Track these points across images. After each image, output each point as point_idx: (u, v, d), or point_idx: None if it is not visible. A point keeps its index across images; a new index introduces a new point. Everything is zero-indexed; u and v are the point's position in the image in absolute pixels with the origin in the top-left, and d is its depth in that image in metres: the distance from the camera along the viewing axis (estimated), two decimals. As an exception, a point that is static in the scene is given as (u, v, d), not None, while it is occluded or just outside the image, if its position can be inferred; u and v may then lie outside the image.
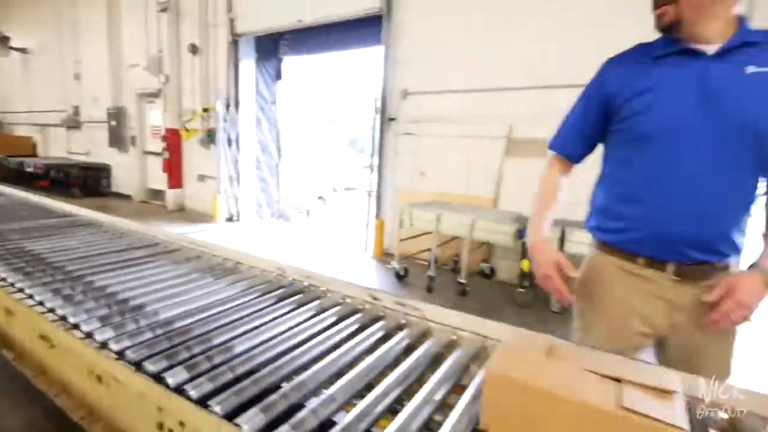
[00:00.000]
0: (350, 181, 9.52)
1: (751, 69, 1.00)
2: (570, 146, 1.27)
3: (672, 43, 1.07)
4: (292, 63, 6.79)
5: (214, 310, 1.26)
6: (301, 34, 5.82)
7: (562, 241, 3.28)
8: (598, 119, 1.19)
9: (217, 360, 0.99)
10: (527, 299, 3.64)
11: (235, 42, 6.39)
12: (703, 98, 1.02)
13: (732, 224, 1.07)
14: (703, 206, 1.04)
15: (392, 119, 5.02)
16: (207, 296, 1.37)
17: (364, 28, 5.15)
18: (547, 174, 1.31)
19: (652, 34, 1.14)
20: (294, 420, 0.78)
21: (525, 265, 3.54)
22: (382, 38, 4.87)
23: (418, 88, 4.78)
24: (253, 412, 0.80)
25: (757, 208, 1.09)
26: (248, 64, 6.56)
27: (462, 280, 3.69)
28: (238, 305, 1.30)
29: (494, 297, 3.83)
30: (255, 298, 1.37)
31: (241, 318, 1.22)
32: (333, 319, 1.26)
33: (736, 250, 1.09)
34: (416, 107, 4.85)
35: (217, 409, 0.81)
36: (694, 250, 1.07)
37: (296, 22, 5.49)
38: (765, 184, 1.08)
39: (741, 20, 1.03)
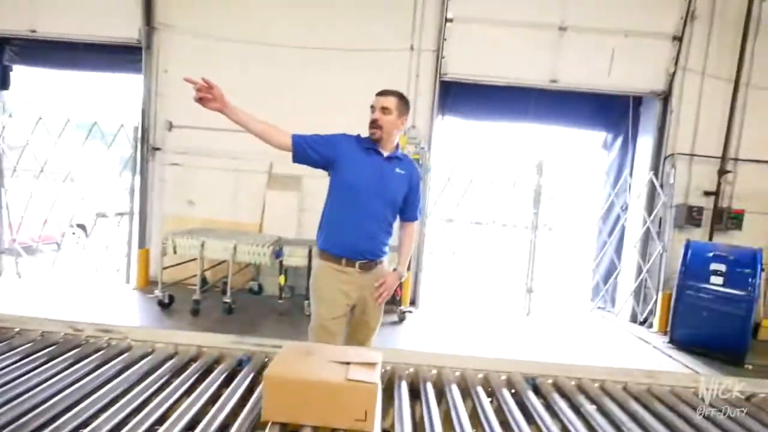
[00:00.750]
0: (123, 205, 8.32)
1: (398, 170, 2.04)
2: (298, 139, 1.99)
3: (371, 143, 2.03)
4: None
5: None
6: (35, 44, 5.07)
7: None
8: (321, 156, 1.98)
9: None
10: (286, 308, 4.44)
11: None
12: (378, 174, 1.99)
13: (384, 241, 2.06)
14: (372, 232, 2.00)
15: (157, 149, 5.05)
16: None
17: (120, 54, 5.01)
18: (273, 128, 2.03)
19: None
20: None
21: (282, 279, 4.33)
22: (142, 68, 4.89)
23: (183, 122, 5.01)
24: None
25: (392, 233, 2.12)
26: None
27: (227, 300, 4.16)
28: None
29: (259, 310, 4.46)
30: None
31: None
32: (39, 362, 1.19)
33: (385, 253, 2.08)
34: (184, 140, 5.06)
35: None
36: (368, 255, 2.00)
37: (28, 31, 4.79)
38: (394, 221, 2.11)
39: (397, 146, 2.08)
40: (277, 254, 4.20)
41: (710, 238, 4.98)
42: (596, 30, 4.78)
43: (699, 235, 5.03)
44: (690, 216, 4.97)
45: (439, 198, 5.37)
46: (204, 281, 4.87)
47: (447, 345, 4.00)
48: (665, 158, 5.02)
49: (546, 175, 5.13)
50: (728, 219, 4.98)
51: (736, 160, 5.06)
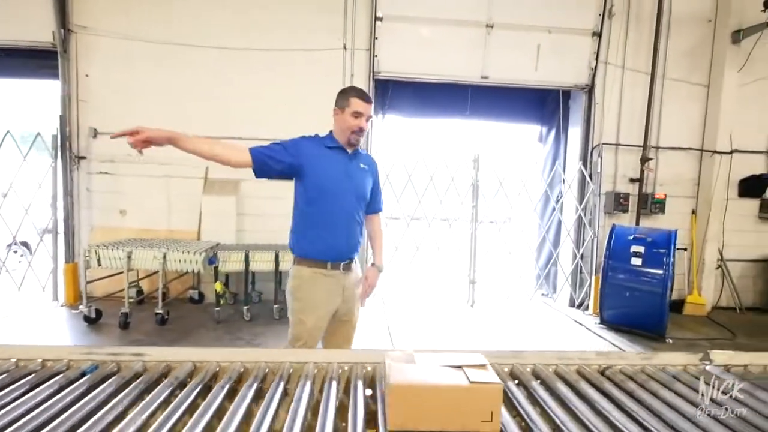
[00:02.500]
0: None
1: (362, 165, 2.07)
2: (257, 153, 1.87)
3: (334, 141, 2.02)
4: None
5: None
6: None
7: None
8: (286, 165, 1.90)
9: None
10: (224, 315, 4.33)
11: None
12: (347, 175, 2.01)
13: (359, 238, 2.07)
14: (352, 230, 2.02)
15: (82, 157, 4.81)
16: None
17: (37, 59, 4.74)
18: (227, 147, 1.90)
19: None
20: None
21: (218, 286, 4.23)
22: (60, 75, 4.64)
23: (109, 128, 4.80)
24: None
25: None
26: None
27: (159, 311, 4.02)
28: None
29: (195, 319, 4.33)
30: None
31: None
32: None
33: (357, 251, 2.09)
34: (111, 147, 4.84)
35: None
36: (350, 254, 2.03)
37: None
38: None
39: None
40: (211, 261, 4.09)
41: (637, 223, 5.26)
42: (522, 27, 4.96)
43: (627, 219, 5.31)
44: (618, 202, 5.25)
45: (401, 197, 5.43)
46: (140, 292, 4.71)
47: (396, 338, 4.02)
48: (593, 148, 5.27)
49: (483, 169, 5.26)
50: (652, 204, 5.29)
51: (657, 148, 5.39)
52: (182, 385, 1.07)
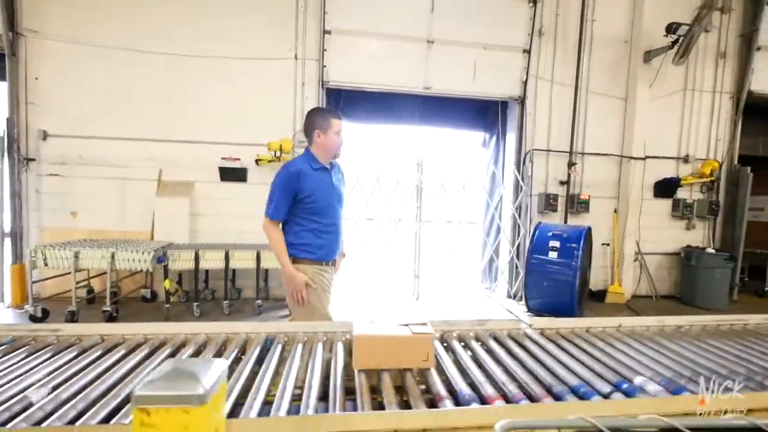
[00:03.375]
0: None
1: (339, 176, 2.45)
2: (280, 215, 2.29)
3: (317, 162, 2.33)
4: None
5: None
6: None
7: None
8: (292, 198, 2.27)
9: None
10: (174, 312, 4.49)
11: None
12: (332, 187, 2.37)
13: (342, 239, 2.49)
14: (340, 233, 2.44)
15: (31, 159, 4.84)
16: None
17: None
18: (274, 233, 2.29)
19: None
20: None
21: (167, 284, 4.39)
22: (7, 77, 4.68)
23: (60, 131, 4.86)
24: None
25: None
26: None
27: (107, 308, 4.13)
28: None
29: (144, 316, 4.45)
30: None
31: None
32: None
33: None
34: (62, 149, 4.90)
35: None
36: (338, 252, 2.47)
37: None
38: None
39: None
40: (159, 260, 4.25)
41: (565, 221, 5.83)
42: (460, 43, 5.42)
43: (557, 218, 5.86)
44: (548, 203, 5.79)
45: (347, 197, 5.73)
46: (90, 291, 4.78)
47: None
48: (525, 154, 5.80)
49: (427, 172, 5.68)
50: (578, 204, 5.87)
51: (582, 153, 5.99)
52: (85, 350, 1.40)
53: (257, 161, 5.18)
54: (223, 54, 5.07)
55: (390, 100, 5.80)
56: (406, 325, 1.37)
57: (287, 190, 2.26)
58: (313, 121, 2.30)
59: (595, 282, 6.12)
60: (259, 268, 4.65)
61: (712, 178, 6.21)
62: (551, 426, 0.76)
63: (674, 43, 5.34)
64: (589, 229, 4.84)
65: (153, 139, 5.03)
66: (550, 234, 4.71)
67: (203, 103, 5.12)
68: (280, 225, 2.32)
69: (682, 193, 6.26)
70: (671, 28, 5.33)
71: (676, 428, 0.76)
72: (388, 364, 1.27)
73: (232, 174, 5.19)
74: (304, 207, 2.28)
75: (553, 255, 4.55)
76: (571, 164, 5.78)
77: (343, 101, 5.86)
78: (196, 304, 4.47)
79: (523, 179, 5.75)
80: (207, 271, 4.94)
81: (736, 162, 6.30)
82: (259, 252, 4.63)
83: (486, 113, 6.19)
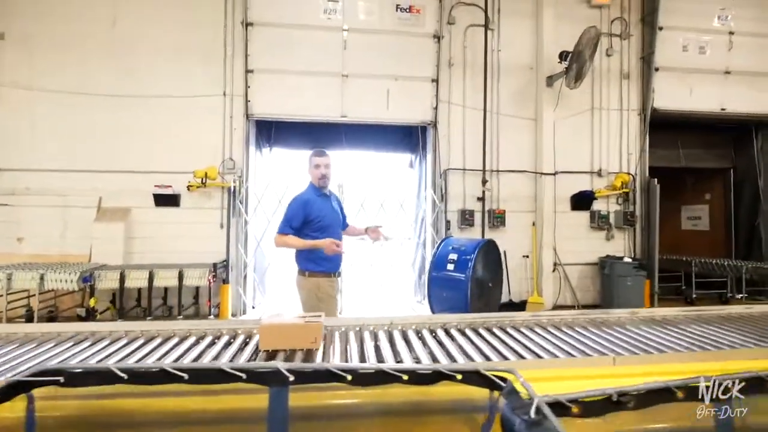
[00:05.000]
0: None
1: (336, 201, 3.15)
2: (288, 231, 2.88)
3: (320, 191, 2.97)
4: None
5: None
6: None
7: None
8: (302, 220, 2.88)
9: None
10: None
11: None
12: (333, 211, 3.02)
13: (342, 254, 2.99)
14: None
15: (-18, 191, 5.42)
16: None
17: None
18: (289, 239, 2.87)
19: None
20: None
21: (92, 302, 4.82)
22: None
23: (11, 165, 5.46)
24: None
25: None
26: None
27: (36, 322, 4.56)
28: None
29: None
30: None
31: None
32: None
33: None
34: (12, 182, 5.48)
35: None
36: (341, 265, 3.02)
37: None
38: None
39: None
40: (85, 280, 4.70)
41: (482, 235, 6.19)
42: (372, 76, 5.99)
43: (476, 233, 6.23)
44: (464, 218, 6.18)
45: (273, 218, 6.19)
46: (28, 310, 5.21)
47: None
48: (441, 174, 6.25)
49: (349, 192, 6.14)
50: (494, 218, 6.25)
51: (498, 171, 6.41)
52: None
53: (188, 187, 5.70)
54: (158, 93, 5.69)
55: (318, 128, 6.35)
56: (304, 317, 1.77)
57: (297, 213, 2.91)
58: (308, 159, 3.05)
59: (520, 293, 6.41)
60: (182, 285, 5.07)
61: (626, 190, 6.57)
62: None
63: (567, 69, 5.84)
64: (488, 241, 5.19)
65: (94, 170, 5.59)
66: (450, 248, 5.06)
67: (141, 137, 5.70)
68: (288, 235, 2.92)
69: (599, 205, 6.62)
70: (563, 56, 5.86)
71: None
72: (285, 344, 1.65)
73: (166, 200, 5.70)
74: (314, 226, 2.89)
75: (450, 267, 4.88)
76: (484, 181, 6.20)
77: (273, 131, 6.43)
78: (120, 320, 4.87)
79: (440, 197, 6.18)
80: (139, 290, 5.37)
81: (647, 174, 6.67)
82: (181, 271, 5.07)
83: (411, 137, 6.70)
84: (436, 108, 6.15)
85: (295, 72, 5.86)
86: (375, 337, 1.81)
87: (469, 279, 4.74)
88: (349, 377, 1.08)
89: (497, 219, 6.23)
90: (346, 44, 5.89)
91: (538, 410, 0.90)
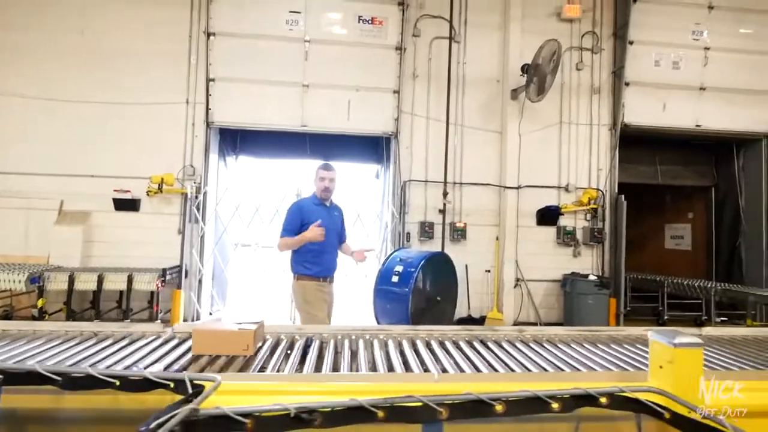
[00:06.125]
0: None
1: (335, 213, 3.40)
2: (291, 233, 3.13)
3: (319, 200, 3.27)
4: None
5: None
6: None
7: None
8: (299, 225, 3.11)
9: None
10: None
11: None
12: (330, 220, 3.22)
13: (336, 262, 3.34)
14: (334, 256, 3.28)
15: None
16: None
17: None
18: (289, 240, 3.13)
19: None
20: None
21: (40, 302, 4.89)
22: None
23: (-21, 168, 5.64)
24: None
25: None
26: None
27: (-19, 321, 4.65)
28: None
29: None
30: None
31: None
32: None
33: (335, 270, 3.32)
34: (-22, 183, 5.66)
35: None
36: (334, 272, 3.29)
37: None
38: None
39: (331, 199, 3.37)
40: (33, 280, 4.78)
41: (442, 248, 6.10)
42: (333, 86, 6.02)
43: (436, 245, 6.14)
44: (424, 231, 6.11)
45: (229, 225, 6.23)
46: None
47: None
48: (402, 185, 6.20)
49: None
50: (455, 231, 6.16)
51: (461, 184, 6.34)
52: None
53: (148, 193, 5.78)
54: (123, 100, 5.82)
55: (283, 137, 6.40)
56: (240, 323, 1.75)
57: (294, 218, 3.15)
58: (315, 171, 3.31)
59: (481, 308, 6.28)
60: (130, 289, 5.12)
61: (593, 206, 6.41)
62: None
63: (528, 81, 5.77)
64: (436, 254, 5.10)
65: (57, 173, 5.73)
66: (398, 260, 5.00)
67: (105, 142, 5.82)
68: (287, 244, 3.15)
69: (566, 221, 6.46)
70: (524, 69, 5.80)
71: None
72: (217, 350, 1.65)
73: (126, 204, 5.79)
74: (305, 229, 3.06)
75: (395, 279, 4.81)
76: (445, 193, 6.13)
77: (239, 139, 6.51)
78: (70, 320, 4.93)
79: (400, 209, 6.12)
80: (94, 292, 5.43)
81: (616, 190, 6.49)
82: (131, 275, 5.12)
83: (377, 148, 6.69)
84: (397, 119, 6.13)
85: (257, 81, 5.93)
86: (321, 347, 1.77)
87: (411, 292, 4.65)
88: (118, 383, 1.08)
89: (458, 232, 6.14)
90: (307, 55, 5.94)
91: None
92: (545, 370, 1.55)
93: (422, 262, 4.86)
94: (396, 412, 0.98)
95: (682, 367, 1.22)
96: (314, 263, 3.13)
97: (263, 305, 6.28)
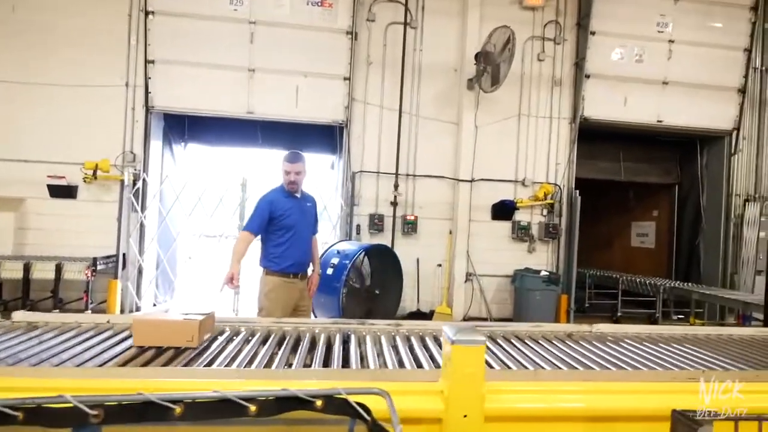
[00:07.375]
0: None
1: (308, 204, 3.14)
2: (254, 229, 2.91)
3: (287, 192, 2.97)
4: None
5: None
6: None
7: None
8: (267, 219, 2.88)
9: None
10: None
11: None
12: (302, 213, 2.98)
13: (310, 256, 3.10)
14: (305, 249, 3.00)
15: None
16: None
17: None
18: (240, 244, 2.90)
19: None
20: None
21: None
22: None
23: None
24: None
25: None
26: None
27: None
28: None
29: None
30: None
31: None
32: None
33: (309, 264, 3.11)
34: None
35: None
36: (306, 267, 3.05)
37: None
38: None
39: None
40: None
41: (392, 241, 5.94)
42: (280, 71, 5.77)
43: (385, 239, 5.98)
44: (374, 223, 5.94)
45: (177, 214, 6.03)
46: None
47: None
48: (352, 175, 6.01)
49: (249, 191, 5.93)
50: (405, 224, 6.00)
51: (414, 175, 6.16)
52: None
53: (84, 179, 5.55)
54: (57, 81, 5.53)
55: (233, 124, 6.15)
56: (187, 314, 1.67)
57: (262, 212, 2.92)
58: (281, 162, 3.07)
59: (432, 303, 6.15)
60: (59, 279, 4.93)
61: (550, 202, 6.27)
62: None
63: (481, 71, 5.56)
64: (373, 247, 4.96)
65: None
66: (336, 252, 4.85)
67: (38, 125, 5.55)
68: (251, 239, 2.92)
69: (522, 216, 6.32)
70: (477, 57, 5.58)
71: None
72: (160, 341, 1.58)
73: (61, 191, 5.55)
74: (278, 224, 2.89)
75: (329, 272, 4.67)
76: (396, 185, 5.96)
77: (187, 127, 6.27)
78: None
79: (351, 200, 5.94)
80: (24, 281, 5.22)
81: (574, 186, 6.35)
82: (59, 264, 4.93)
83: (332, 138, 6.46)
84: (348, 107, 5.91)
85: (200, 64, 5.66)
86: (264, 339, 1.75)
87: (342, 285, 4.52)
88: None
89: (409, 225, 5.98)
90: (253, 37, 5.67)
91: None
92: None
93: (357, 256, 4.72)
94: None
95: (460, 365, 1.14)
96: (283, 257, 2.89)
97: (222, 299, 6.11)
